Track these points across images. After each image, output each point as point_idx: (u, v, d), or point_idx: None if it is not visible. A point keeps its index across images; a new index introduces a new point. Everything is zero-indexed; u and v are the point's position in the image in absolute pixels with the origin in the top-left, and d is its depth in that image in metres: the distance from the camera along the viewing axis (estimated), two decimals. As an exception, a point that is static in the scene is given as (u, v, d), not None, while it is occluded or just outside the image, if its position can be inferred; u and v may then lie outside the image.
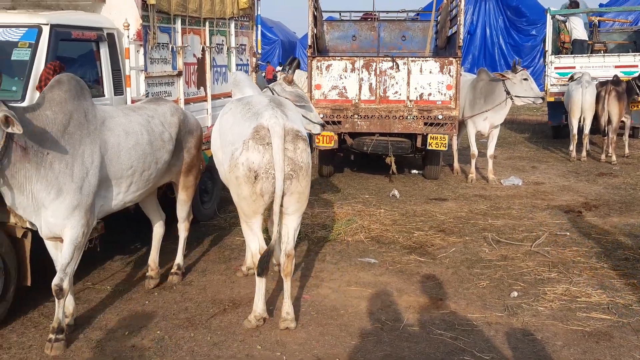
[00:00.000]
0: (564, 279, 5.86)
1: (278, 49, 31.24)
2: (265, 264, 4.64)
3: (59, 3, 6.01)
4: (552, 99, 13.45)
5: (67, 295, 4.49)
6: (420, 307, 5.27)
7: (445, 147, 9.46)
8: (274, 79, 22.28)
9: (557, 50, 14.07)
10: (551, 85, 13.44)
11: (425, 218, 7.99)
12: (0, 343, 4.49)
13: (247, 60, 8.61)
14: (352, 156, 11.41)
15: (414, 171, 11.03)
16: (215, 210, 8.01)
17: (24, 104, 4.67)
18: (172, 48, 6.69)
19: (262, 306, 4.87)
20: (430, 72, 9.41)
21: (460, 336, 4.74)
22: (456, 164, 11.09)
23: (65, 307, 4.53)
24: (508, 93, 9.92)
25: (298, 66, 5.82)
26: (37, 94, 4.74)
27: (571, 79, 12.73)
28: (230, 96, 8.00)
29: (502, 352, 4.53)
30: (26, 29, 5.11)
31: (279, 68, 24.69)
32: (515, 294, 5.53)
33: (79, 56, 5.64)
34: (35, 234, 4.66)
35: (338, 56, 10.39)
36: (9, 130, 3.86)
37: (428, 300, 5.42)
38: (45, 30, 5.09)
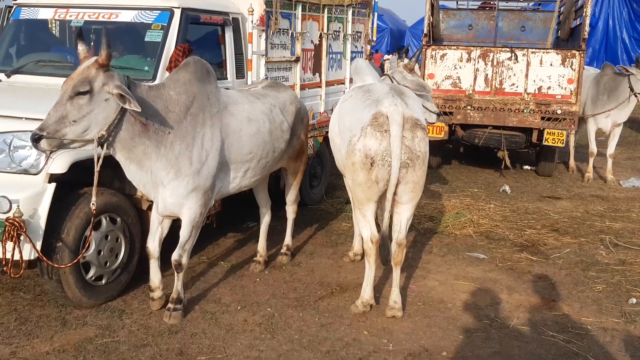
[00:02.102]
0: (690, 289, 5.52)
1: (387, 37, 30.98)
2: (385, 253, 4.66)
3: (187, -13, 6.26)
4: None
5: (185, 269, 4.70)
6: (531, 307, 5.13)
7: (563, 143, 9.10)
8: (382, 67, 22.20)
9: (690, 46, 13.10)
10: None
11: (538, 216, 7.73)
12: (124, 308, 4.78)
13: (362, 47, 8.62)
14: (461, 148, 11.19)
15: (527, 167, 10.69)
16: (322, 195, 8.12)
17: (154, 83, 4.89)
18: (292, 34, 6.80)
19: (370, 293, 4.90)
20: (551, 64, 9.05)
21: (573, 339, 4.58)
22: (572, 162, 10.63)
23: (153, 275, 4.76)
24: (632, 89, 9.39)
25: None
26: (167, 74, 4.93)
27: None
28: (343, 83, 8.16)
29: (619, 359, 4.33)
30: (159, 11, 5.33)
31: (386, 56, 24.53)
32: (634, 300, 5.27)
33: (206, 39, 5.84)
34: (159, 207, 4.87)
35: (454, 45, 10.19)
36: (126, 106, 3.95)
37: (539, 301, 5.26)
38: (177, 14, 5.29)
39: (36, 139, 3.81)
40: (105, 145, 4.05)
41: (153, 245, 4.76)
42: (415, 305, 5.07)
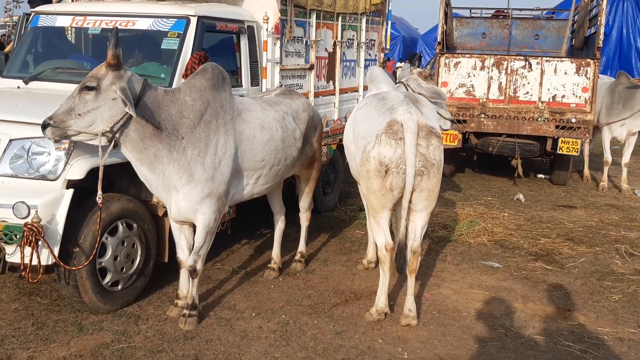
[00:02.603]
0: None
1: (399, 44, 30.97)
2: (401, 262, 4.66)
3: (204, -5, 6.31)
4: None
5: (199, 275, 4.70)
6: (546, 317, 5.10)
7: (577, 152, 9.05)
8: (394, 74, 22.19)
9: None
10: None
11: (552, 225, 7.70)
12: (139, 314, 4.80)
13: (376, 55, 8.64)
14: (475, 156, 11.17)
15: (541, 175, 10.65)
16: (336, 202, 8.12)
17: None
18: (306, 42, 6.83)
19: (385, 301, 4.89)
20: (566, 73, 9.04)
21: (589, 349, 4.55)
22: (587, 171, 10.58)
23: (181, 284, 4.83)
24: (647, 99, 9.36)
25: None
26: (183, 81, 4.96)
27: None
28: (357, 91, 8.17)
29: (636, 370, 4.31)
30: (175, 19, 5.36)
31: (399, 64, 24.52)
32: (651, 310, 5.24)
33: (221, 47, 5.86)
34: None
35: (467, 53, 10.19)
36: (125, 109, 4.01)
37: (555, 310, 5.23)
38: (193, 22, 5.33)
39: (43, 126, 4.00)
40: (113, 142, 4.10)
41: (183, 255, 4.78)
42: (430, 314, 5.05)
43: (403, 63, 24.52)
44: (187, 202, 4.44)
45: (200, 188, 4.42)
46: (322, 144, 6.31)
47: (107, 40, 5.45)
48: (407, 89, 5.48)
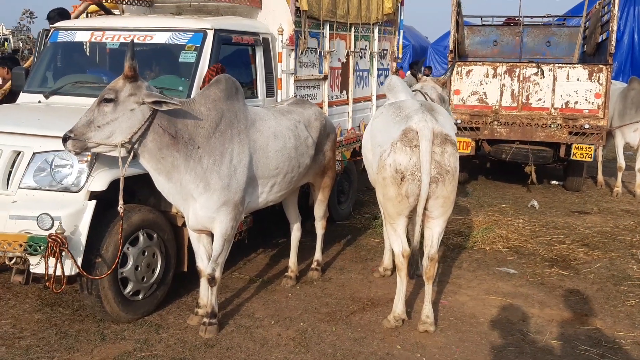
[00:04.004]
0: None
1: (409, 53, 30.98)
2: (413, 268, 4.70)
3: (218, 9, 6.41)
4: None
5: (218, 283, 4.77)
6: (563, 322, 5.12)
7: (591, 158, 9.07)
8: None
9: None
10: None
11: (567, 231, 7.71)
12: (160, 323, 4.87)
13: (388, 64, 8.71)
14: (488, 163, 11.19)
15: (554, 182, 10.65)
16: (350, 211, 8.17)
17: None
18: (320, 52, 6.91)
19: (402, 307, 4.94)
20: (578, 79, 9.07)
21: (607, 354, 4.57)
22: (600, 176, 10.57)
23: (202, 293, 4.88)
24: (661, 104, 9.37)
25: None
26: (201, 93, 5.04)
27: None
28: (370, 100, 8.24)
29: (655, 375, 4.32)
30: (192, 33, 5.45)
31: (408, 73, 24.52)
32: (668, 315, 5.24)
33: (237, 59, 5.94)
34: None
35: (479, 61, 10.24)
36: (164, 108, 4.13)
37: (572, 315, 5.25)
38: (210, 35, 5.42)
39: (64, 139, 4.10)
40: (132, 152, 4.19)
41: (203, 264, 4.86)
42: (447, 320, 5.08)
43: (409, 72, 24.49)
44: (205, 211, 4.52)
45: (216, 196, 4.49)
46: (336, 152, 6.37)
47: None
48: (426, 97, 5.53)
